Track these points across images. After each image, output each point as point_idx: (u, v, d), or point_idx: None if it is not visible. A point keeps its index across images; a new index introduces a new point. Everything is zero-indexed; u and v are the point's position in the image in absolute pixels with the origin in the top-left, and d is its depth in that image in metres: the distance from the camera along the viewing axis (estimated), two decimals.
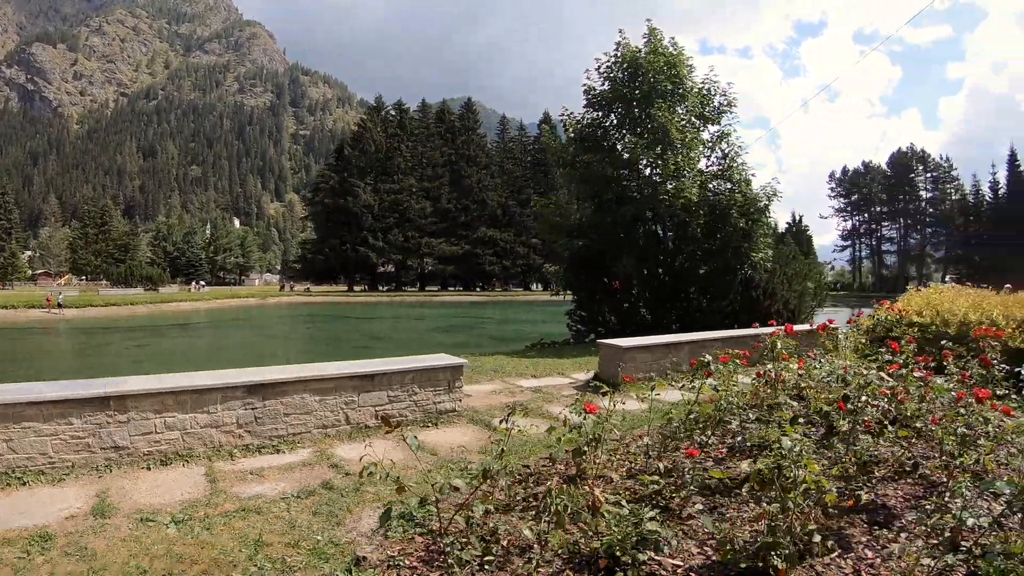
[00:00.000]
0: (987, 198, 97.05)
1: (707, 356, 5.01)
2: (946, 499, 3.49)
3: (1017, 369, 6.30)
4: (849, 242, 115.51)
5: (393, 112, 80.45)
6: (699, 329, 13.59)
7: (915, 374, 5.01)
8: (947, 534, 2.98)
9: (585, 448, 4.04)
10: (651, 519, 3.08)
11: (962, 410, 4.21)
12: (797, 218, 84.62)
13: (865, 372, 4.78)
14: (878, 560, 3.00)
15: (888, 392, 4.67)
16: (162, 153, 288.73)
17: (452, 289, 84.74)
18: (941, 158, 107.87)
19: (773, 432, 3.77)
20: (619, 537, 2.99)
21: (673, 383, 5.72)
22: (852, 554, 3.06)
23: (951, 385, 4.83)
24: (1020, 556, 2.52)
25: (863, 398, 4.42)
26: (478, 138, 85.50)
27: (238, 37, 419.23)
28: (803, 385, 5.54)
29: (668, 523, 3.40)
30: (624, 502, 3.45)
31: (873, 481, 3.97)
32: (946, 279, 64.39)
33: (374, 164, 73.21)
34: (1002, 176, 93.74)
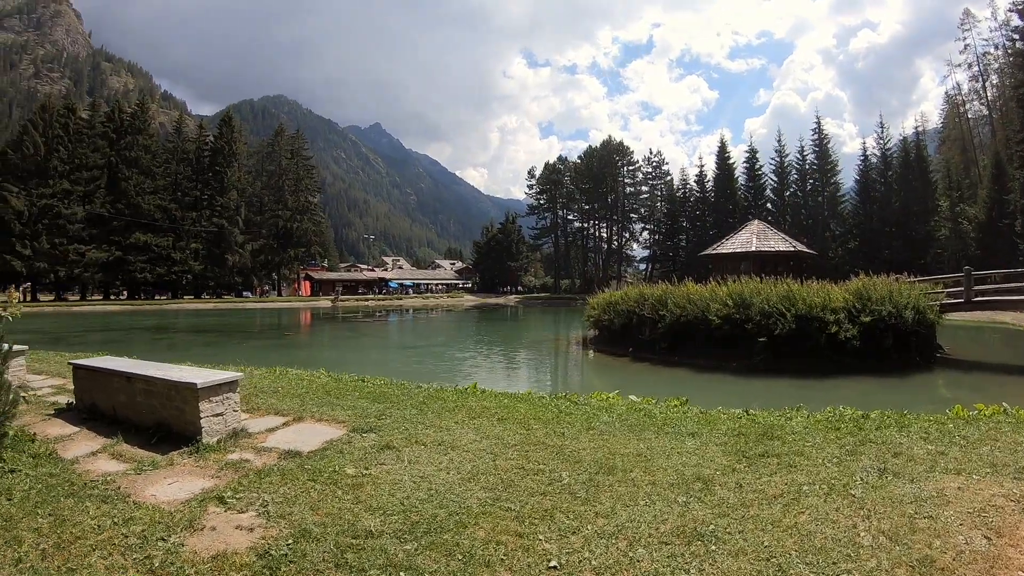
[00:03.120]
0: (695, 191, 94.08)
1: None
2: None
3: None
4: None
5: (62, 112, 76.47)
6: None
7: None
8: None
9: None
10: None
11: None
12: None
13: None
14: None
15: None
16: None
17: (113, 297, 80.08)
18: (651, 152, 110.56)
19: None
20: None
21: None
22: None
23: None
24: None
25: None
26: (145, 139, 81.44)
27: (41, 14, 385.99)
28: None
29: None
30: None
31: None
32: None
33: (32, 167, 70.26)
34: (711, 168, 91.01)
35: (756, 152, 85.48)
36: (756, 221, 32.26)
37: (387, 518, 3.94)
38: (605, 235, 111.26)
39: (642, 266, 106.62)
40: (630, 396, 8.62)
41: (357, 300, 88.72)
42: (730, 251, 29.27)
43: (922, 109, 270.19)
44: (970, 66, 76.78)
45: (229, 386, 6.07)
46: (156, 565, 3.42)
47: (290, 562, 3.44)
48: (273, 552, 3.54)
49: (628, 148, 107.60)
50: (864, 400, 13.57)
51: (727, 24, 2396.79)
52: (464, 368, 21.65)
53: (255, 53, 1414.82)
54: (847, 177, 79.99)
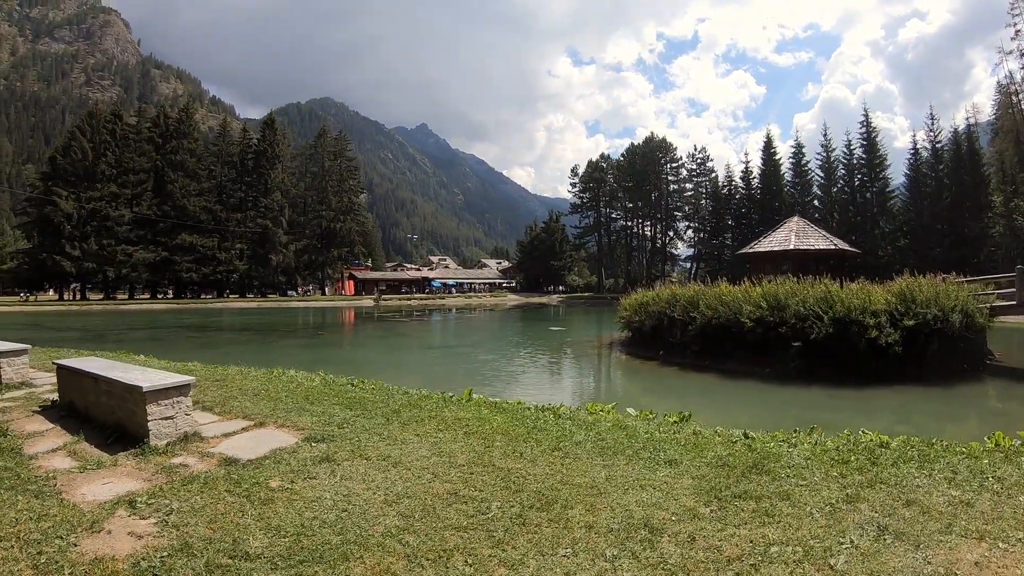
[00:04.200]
0: (740, 188, 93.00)
1: None
2: None
3: None
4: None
5: (108, 118, 79.84)
6: None
7: None
8: None
9: None
10: None
11: None
12: None
13: None
14: None
15: None
16: None
17: (160, 296, 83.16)
18: (695, 148, 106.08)
19: None
20: None
21: None
22: None
23: None
24: None
25: None
26: (190, 143, 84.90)
27: (91, 24, 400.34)
28: None
29: None
30: None
31: None
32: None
33: (81, 172, 73.19)
34: (756, 164, 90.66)
35: (802, 147, 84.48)
36: (796, 218, 31.03)
37: (276, 540, 3.71)
38: (649, 233, 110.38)
39: (687, 265, 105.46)
40: (627, 409, 7.89)
41: (400, 299, 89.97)
42: (767, 249, 28.34)
43: (975, 100, 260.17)
44: (1022, 54, 72.38)
45: (179, 390, 6.09)
46: (42, 562, 3.55)
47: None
48: (144, 563, 3.52)
49: (671, 145, 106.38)
50: (902, 412, 13.01)
51: (773, 17, 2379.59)
52: (483, 371, 21.35)
53: (302, 57, 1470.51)
54: (897, 172, 77.94)
